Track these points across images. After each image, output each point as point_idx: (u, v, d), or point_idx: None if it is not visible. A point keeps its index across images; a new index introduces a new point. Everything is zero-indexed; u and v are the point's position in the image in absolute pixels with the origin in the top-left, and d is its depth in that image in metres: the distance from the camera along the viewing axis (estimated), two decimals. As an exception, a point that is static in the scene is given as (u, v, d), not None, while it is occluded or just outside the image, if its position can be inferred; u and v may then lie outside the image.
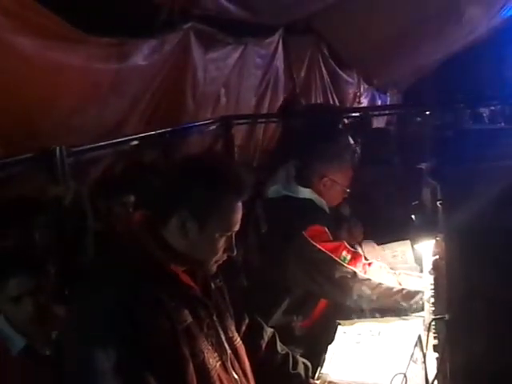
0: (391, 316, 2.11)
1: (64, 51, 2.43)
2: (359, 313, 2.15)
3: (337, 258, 2.10)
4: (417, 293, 2.11)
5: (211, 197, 1.34)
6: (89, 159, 2.80)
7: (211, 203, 1.34)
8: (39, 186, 2.38)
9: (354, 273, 2.10)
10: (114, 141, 2.98)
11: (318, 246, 2.10)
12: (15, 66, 2.18)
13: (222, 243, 1.38)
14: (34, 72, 2.29)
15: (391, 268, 2.25)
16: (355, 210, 2.92)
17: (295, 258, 2.13)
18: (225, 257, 1.43)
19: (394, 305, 2.13)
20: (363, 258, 2.20)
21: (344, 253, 2.13)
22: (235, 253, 1.42)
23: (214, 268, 1.43)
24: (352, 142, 3.46)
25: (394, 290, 2.12)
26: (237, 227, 1.40)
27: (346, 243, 2.18)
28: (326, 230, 2.15)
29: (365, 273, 2.13)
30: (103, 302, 1.27)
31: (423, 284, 2.05)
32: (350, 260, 2.13)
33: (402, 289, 2.13)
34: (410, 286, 2.14)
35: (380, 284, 2.11)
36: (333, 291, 2.14)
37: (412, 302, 2.12)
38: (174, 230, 1.35)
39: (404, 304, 2.13)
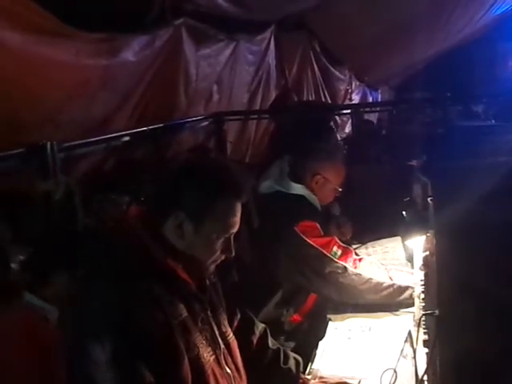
0: (382, 311, 2.12)
1: (53, 46, 2.42)
2: (350, 308, 2.16)
3: (327, 253, 2.11)
4: (407, 288, 2.12)
5: (208, 199, 1.34)
6: (80, 155, 2.79)
7: (208, 205, 1.34)
8: (30, 182, 2.36)
9: (345, 268, 2.11)
10: (106, 136, 2.96)
11: (309, 241, 2.11)
12: (3, 61, 2.16)
13: (219, 244, 1.39)
14: (23, 67, 2.28)
15: (382, 264, 2.26)
16: (346, 208, 2.92)
17: (286, 252, 2.13)
18: (222, 257, 1.43)
19: (384, 300, 2.14)
20: (354, 254, 2.21)
21: (335, 248, 2.14)
22: (233, 254, 1.43)
23: (212, 268, 1.45)
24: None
25: (385, 285, 2.13)
26: (235, 229, 1.40)
27: (336, 238, 2.19)
28: (318, 225, 2.15)
29: (355, 268, 2.14)
30: (99, 296, 1.27)
31: (414, 280, 2.06)
32: (341, 255, 2.14)
33: (393, 284, 2.14)
34: (401, 282, 2.15)
35: (370, 279, 2.12)
36: (323, 286, 2.14)
37: (402, 297, 2.13)
38: (171, 229, 1.35)
39: (394, 299, 2.14)
